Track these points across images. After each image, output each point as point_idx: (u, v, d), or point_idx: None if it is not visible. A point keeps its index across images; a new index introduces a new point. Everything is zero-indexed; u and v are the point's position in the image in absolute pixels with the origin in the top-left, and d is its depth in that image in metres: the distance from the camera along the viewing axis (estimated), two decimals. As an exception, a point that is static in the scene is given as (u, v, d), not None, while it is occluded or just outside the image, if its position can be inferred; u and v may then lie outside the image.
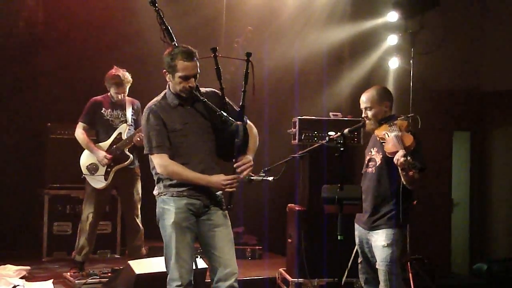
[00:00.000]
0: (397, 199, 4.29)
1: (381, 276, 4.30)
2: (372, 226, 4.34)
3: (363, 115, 4.52)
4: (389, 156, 4.19)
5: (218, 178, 3.85)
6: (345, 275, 5.26)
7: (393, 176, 4.27)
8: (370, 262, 4.46)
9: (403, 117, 4.50)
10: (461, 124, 8.32)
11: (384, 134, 4.33)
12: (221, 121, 3.89)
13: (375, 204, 4.33)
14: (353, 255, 5.22)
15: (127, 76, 5.85)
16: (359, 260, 4.58)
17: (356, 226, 4.53)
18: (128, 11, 7.15)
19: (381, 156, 4.37)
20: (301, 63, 7.53)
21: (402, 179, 4.17)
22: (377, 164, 4.38)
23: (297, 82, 7.45)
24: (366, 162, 4.52)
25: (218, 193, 4.00)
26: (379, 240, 4.29)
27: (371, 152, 4.49)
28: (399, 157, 4.04)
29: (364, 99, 4.49)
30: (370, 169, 4.44)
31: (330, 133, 5.14)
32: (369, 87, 4.61)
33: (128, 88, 5.88)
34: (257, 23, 7.35)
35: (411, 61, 6.91)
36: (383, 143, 4.30)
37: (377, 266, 4.33)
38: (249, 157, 3.90)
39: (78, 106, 6.02)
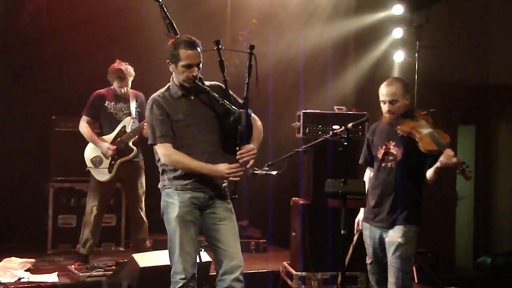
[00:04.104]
0: (415, 195, 4.25)
1: (392, 273, 4.19)
2: (390, 223, 4.23)
3: (387, 108, 4.28)
4: (426, 153, 4.09)
5: (222, 167, 3.84)
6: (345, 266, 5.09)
7: (414, 172, 4.21)
8: (381, 262, 4.33)
9: (425, 112, 4.34)
10: (466, 118, 8.32)
11: (412, 130, 4.17)
12: (224, 110, 3.89)
13: (395, 200, 4.21)
14: (351, 248, 5.07)
15: (129, 69, 5.84)
16: (369, 261, 4.44)
17: (366, 225, 4.41)
18: (131, 4, 7.13)
19: (401, 151, 4.23)
20: (306, 56, 7.52)
21: (431, 177, 4.12)
22: (398, 159, 4.25)
23: (301, 75, 7.43)
24: (379, 155, 4.33)
25: (223, 185, 4.00)
26: (395, 237, 4.20)
27: (387, 145, 4.31)
28: (450, 157, 3.95)
29: (390, 92, 4.26)
30: (388, 164, 4.28)
31: (334, 127, 5.12)
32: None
33: (131, 81, 5.87)
34: (262, 16, 7.33)
35: (416, 54, 6.90)
36: (412, 139, 4.16)
37: (389, 263, 4.22)
38: (253, 146, 3.88)
39: (82, 99, 6.01)
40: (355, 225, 4.63)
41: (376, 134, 4.45)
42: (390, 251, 4.23)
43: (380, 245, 4.32)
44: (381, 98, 4.31)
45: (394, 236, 4.21)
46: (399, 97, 4.25)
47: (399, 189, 4.23)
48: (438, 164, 4.07)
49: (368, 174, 4.60)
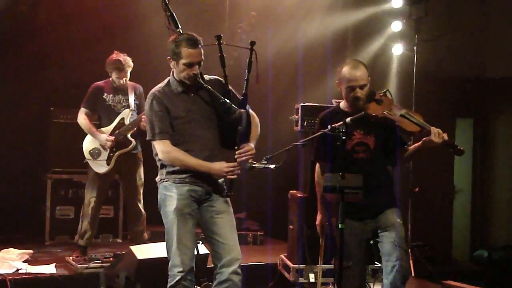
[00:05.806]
0: (392, 179, 4.18)
1: (399, 254, 3.94)
2: (380, 210, 4.05)
3: (357, 94, 3.98)
4: (413, 135, 4.00)
5: (220, 165, 3.86)
6: (320, 261, 4.98)
7: (386, 157, 4.10)
8: (362, 262, 4.10)
9: (382, 93, 4.09)
10: (464, 111, 8.32)
11: (385, 114, 3.98)
12: (224, 108, 3.89)
13: (380, 189, 4.04)
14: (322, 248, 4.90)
15: (128, 60, 5.83)
16: (348, 263, 3.94)
17: (350, 221, 3.93)
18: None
19: (373, 138, 4.04)
20: (304, 49, 7.50)
21: (408, 158, 4.06)
22: (371, 148, 4.05)
23: (300, 68, 7.42)
24: (348, 147, 4.00)
25: (220, 180, 4.01)
26: (394, 218, 4.02)
27: (355, 136, 4.04)
28: (440, 134, 3.81)
29: (363, 76, 3.97)
30: (361, 155, 4.05)
31: (332, 120, 5.08)
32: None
33: (129, 72, 5.86)
34: (261, 8, 7.32)
35: (415, 47, 6.91)
36: (381, 123, 3.99)
37: (393, 243, 3.97)
38: (251, 145, 3.90)
39: (81, 90, 6.01)
40: (318, 227, 4.40)
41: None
42: (392, 231, 3.99)
43: (363, 241, 4.09)
44: (351, 83, 3.98)
45: (393, 217, 4.03)
46: (368, 81, 4.01)
47: (381, 178, 4.09)
48: (420, 144, 3.96)
49: (319, 170, 4.25)
